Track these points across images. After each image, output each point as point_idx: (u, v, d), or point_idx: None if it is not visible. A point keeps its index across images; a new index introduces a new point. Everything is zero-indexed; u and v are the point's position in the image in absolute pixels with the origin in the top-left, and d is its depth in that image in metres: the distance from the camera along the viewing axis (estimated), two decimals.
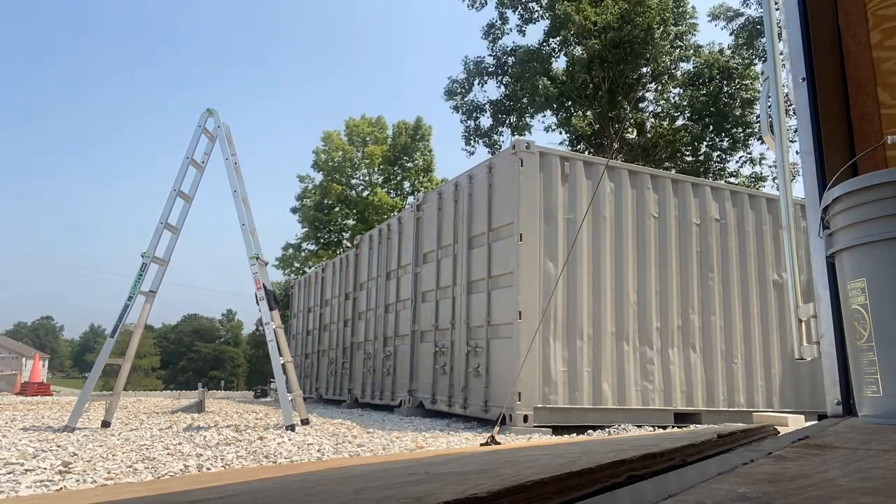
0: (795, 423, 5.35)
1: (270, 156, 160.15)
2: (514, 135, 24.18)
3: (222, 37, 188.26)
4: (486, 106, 24.85)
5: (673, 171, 17.24)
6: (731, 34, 22.85)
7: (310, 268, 26.83)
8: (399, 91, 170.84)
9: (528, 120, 24.28)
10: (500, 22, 24.33)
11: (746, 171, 23.44)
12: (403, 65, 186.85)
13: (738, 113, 21.87)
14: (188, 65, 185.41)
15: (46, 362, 54.07)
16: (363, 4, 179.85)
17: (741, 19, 22.51)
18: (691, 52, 23.03)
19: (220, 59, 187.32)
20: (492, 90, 26.84)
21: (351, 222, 31.08)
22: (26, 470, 3.44)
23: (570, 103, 22.65)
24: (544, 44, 23.69)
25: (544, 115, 23.91)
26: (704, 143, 23.38)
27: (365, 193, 31.15)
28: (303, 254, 31.37)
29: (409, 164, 32.45)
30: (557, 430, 6.30)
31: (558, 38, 23.27)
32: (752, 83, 21.63)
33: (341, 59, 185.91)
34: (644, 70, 22.51)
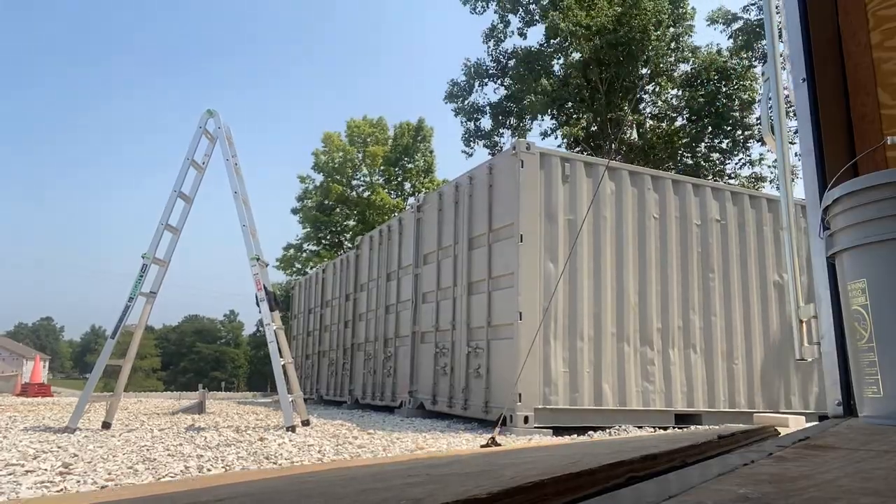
0: (796, 423, 5.34)
1: (272, 157, 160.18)
2: (514, 137, 24.20)
3: (222, 44, 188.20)
4: (486, 108, 24.88)
5: (672, 173, 17.24)
6: (728, 38, 22.83)
7: (311, 269, 26.84)
8: (401, 95, 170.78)
9: (528, 121, 24.32)
10: (501, 25, 24.35)
11: (746, 172, 23.46)
12: (405, 69, 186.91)
13: (736, 114, 21.85)
14: (192, 70, 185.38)
15: (47, 363, 54.07)
16: (364, 11, 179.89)
17: (739, 23, 22.47)
18: (688, 52, 23.02)
19: (221, 66, 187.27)
20: (492, 93, 26.90)
21: (352, 223, 31.09)
22: (27, 471, 3.45)
23: (570, 105, 22.66)
24: (545, 46, 23.72)
25: (542, 120, 23.95)
26: (703, 144, 23.37)
27: (366, 194, 31.16)
28: (303, 254, 31.38)
29: (410, 165, 32.46)
30: (558, 431, 6.29)
31: (556, 41, 23.30)
32: (749, 84, 21.60)
33: (341, 62, 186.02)
34: (642, 71, 22.50)
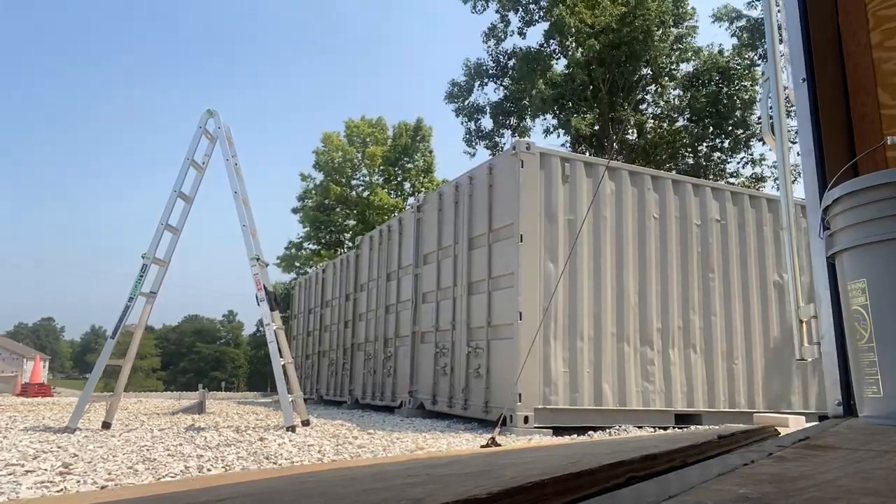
0: (796, 423, 5.34)
1: (272, 157, 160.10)
2: (514, 136, 24.21)
3: (222, 44, 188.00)
4: (487, 108, 24.89)
5: (673, 173, 17.25)
6: (732, 35, 22.76)
7: (311, 268, 26.85)
8: (401, 95, 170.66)
9: (528, 121, 24.31)
10: (501, 24, 24.36)
11: (747, 171, 23.46)
12: (406, 69, 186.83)
13: (738, 114, 21.84)
14: (192, 70, 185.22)
15: (47, 363, 54.07)
16: (364, 10, 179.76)
17: (743, 21, 22.41)
18: (690, 53, 23.01)
19: (221, 66, 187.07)
20: (492, 93, 26.78)
21: (351, 223, 31.10)
22: (27, 471, 3.45)
23: (570, 104, 22.66)
24: (544, 46, 23.73)
25: (544, 119, 23.96)
26: (704, 145, 23.36)
27: (365, 194, 31.17)
28: (303, 253, 31.41)
29: (410, 165, 32.47)
30: (558, 431, 6.29)
31: (556, 40, 23.28)
32: (751, 85, 21.60)
33: (341, 62, 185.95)
34: (644, 72, 22.51)
